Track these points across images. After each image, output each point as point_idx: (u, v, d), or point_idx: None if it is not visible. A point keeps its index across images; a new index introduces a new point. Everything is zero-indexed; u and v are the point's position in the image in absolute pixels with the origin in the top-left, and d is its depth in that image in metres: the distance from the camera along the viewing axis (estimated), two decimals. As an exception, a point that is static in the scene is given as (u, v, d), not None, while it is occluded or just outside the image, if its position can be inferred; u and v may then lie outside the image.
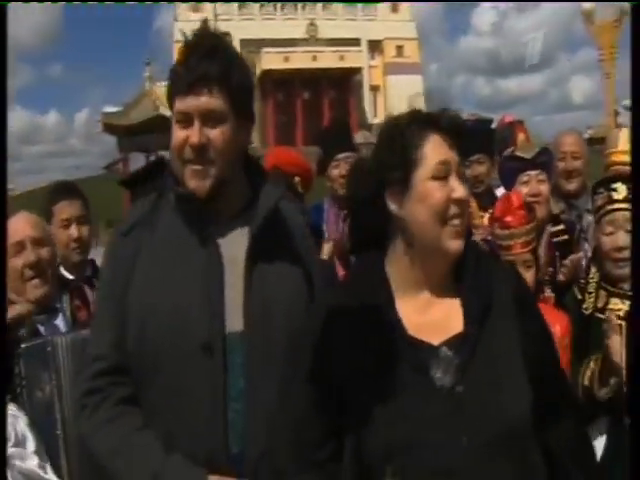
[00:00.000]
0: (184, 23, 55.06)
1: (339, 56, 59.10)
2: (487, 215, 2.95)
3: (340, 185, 3.69)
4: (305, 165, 3.75)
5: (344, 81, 60.55)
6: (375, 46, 63.70)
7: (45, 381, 2.05)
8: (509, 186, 3.01)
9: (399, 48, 63.60)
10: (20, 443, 1.71)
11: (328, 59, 58.74)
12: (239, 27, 59.82)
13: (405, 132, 1.42)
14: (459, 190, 1.38)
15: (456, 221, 1.39)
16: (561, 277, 2.81)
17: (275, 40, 59.30)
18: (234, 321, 1.55)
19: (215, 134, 1.55)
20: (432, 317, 1.42)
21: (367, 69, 63.18)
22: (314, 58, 58.48)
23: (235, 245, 1.60)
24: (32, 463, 1.68)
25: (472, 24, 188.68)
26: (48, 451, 1.95)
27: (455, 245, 1.39)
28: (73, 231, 2.92)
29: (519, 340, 1.42)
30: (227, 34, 1.65)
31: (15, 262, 2.28)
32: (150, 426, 1.53)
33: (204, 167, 1.55)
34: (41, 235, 2.36)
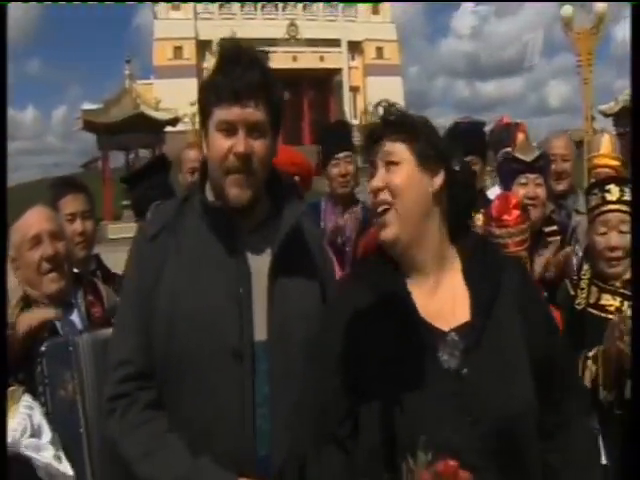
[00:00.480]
0: (163, 21, 54.73)
1: (319, 57, 58.97)
2: (479, 215, 3.04)
3: (339, 184, 3.77)
4: (305, 164, 3.80)
5: (324, 82, 60.40)
6: (355, 47, 63.60)
7: (67, 380, 2.12)
8: (507, 186, 3.11)
9: (379, 50, 63.53)
10: (36, 434, 1.73)
11: (308, 60, 58.57)
12: (219, 26, 59.41)
13: None
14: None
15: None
16: (551, 273, 2.92)
17: (255, 40, 58.93)
18: (260, 330, 1.59)
19: (259, 145, 1.60)
20: (439, 302, 1.51)
21: (347, 70, 63.11)
22: (294, 58, 58.20)
23: (257, 258, 1.65)
24: (48, 454, 1.69)
25: (452, 27, 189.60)
26: (71, 449, 2.00)
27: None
28: (77, 226, 2.96)
29: (524, 332, 1.50)
30: (263, 50, 1.70)
31: (32, 256, 2.30)
32: (176, 430, 1.56)
33: (245, 177, 1.59)
34: (57, 229, 2.39)
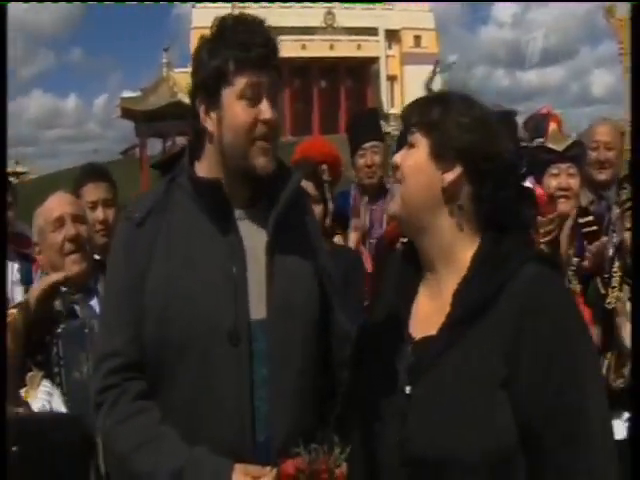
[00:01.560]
0: (201, 9, 54.98)
1: (356, 45, 58.81)
2: None
3: (365, 174, 3.70)
4: (332, 152, 3.74)
5: (361, 70, 60.24)
6: (393, 35, 63.22)
7: (82, 362, 2.12)
8: (539, 178, 3.02)
9: (417, 38, 63.09)
10: None
11: (345, 48, 58.46)
12: (256, 14, 59.51)
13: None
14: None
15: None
16: (585, 264, 2.82)
17: (292, 28, 58.98)
18: (256, 309, 1.55)
19: (276, 113, 1.57)
20: (436, 306, 1.37)
21: (384, 59, 62.78)
22: (331, 47, 58.22)
23: (252, 234, 1.59)
24: None
25: (493, 15, 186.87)
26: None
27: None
28: (99, 213, 2.97)
29: (501, 362, 1.23)
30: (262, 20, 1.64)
31: (55, 237, 2.34)
32: (170, 418, 1.51)
33: (272, 145, 1.56)
34: (79, 212, 2.42)
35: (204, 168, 1.62)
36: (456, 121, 1.37)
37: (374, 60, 60.60)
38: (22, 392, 1.70)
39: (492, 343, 1.24)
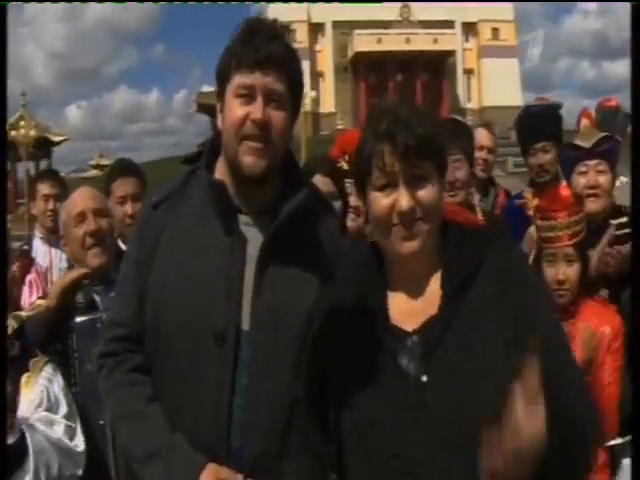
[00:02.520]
0: (276, 5, 55.43)
1: (433, 38, 57.82)
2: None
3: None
4: None
5: (438, 64, 59.27)
6: (470, 28, 61.95)
7: (95, 355, 2.21)
8: (568, 176, 2.91)
9: (495, 30, 61.57)
10: (52, 407, 1.77)
11: (421, 41, 57.59)
12: (331, 9, 59.59)
13: None
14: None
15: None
16: (608, 268, 2.68)
17: (368, 22, 58.70)
18: (247, 319, 1.55)
19: (276, 115, 1.55)
20: (418, 301, 1.38)
21: (461, 52, 61.60)
22: (407, 40, 57.46)
23: (256, 242, 1.59)
24: (59, 429, 1.72)
25: (577, 4, 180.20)
26: (95, 421, 2.07)
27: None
28: (128, 208, 3.08)
29: (501, 322, 1.30)
30: (283, 25, 1.64)
31: (77, 232, 2.45)
32: (159, 399, 1.56)
33: (262, 145, 1.54)
34: (100, 206, 2.52)
35: (220, 167, 1.65)
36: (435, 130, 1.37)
37: (451, 53, 59.47)
38: (24, 378, 1.76)
39: (487, 310, 1.30)
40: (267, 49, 1.53)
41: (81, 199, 2.53)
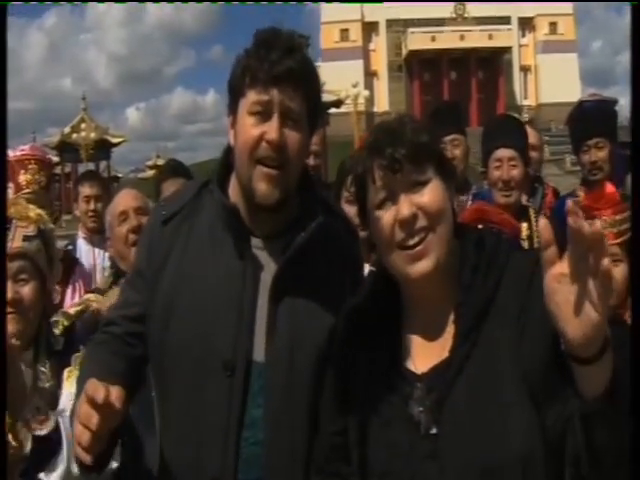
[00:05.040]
0: (330, 4, 55.61)
1: (488, 35, 57.10)
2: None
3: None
4: None
5: (493, 61, 58.47)
6: (526, 23, 60.86)
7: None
8: (620, 176, 2.82)
9: (552, 25, 60.33)
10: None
11: (476, 38, 56.94)
12: (385, 7, 59.43)
13: None
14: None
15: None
16: None
17: (422, 20, 58.34)
18: (259, 350, 1.47)
19: (293, 136, 1.44)
20: (433, 336, 1.27)
21: (517, 48, 60.57)
22: (462, 37, 56.90)
23: (269, 267, 1.50)
24: None
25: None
26: (144, 412, 2.10)
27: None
28: None
29: (519, 357, 1.17)
30: (303, 35, 1.53)
31: (120, 230, 2.59)
32: (164, 423, 1.55)
33: (277, 172, 1.43)
34: (141, 205, 2.65)
35: (234, 185, 1.55)
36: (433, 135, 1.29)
37: (506, 50, 58.60)
38: (65, 372, 1.80)
39: (503, 339, 1.18)
40: (284, 64, 1.42)
41: (123, 199, 2.68)
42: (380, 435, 1.25)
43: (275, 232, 1.52)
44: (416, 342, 1.28)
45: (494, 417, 1.15)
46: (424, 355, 1.26)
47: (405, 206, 1.21)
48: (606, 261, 0.92)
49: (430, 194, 1.21)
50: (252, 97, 1.43)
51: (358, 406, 1.30)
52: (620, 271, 2.30)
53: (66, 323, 2.12)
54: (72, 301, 3.21)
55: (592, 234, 0.90)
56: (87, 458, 1.22)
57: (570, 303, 0.97)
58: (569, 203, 0.92)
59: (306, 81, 1.45)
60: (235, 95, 1.48)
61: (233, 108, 1.49)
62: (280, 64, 1.41)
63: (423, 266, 1.21)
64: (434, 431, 1.19)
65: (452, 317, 1.24)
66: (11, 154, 3.54)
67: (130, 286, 1.63)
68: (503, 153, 3.05)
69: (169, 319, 1.49)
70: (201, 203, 1.57)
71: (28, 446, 1.54)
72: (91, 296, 2.64)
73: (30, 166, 3.43)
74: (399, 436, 1.22)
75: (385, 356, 1.28)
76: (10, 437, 1.51)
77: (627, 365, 1.01)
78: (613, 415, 1.00)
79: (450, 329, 1.24)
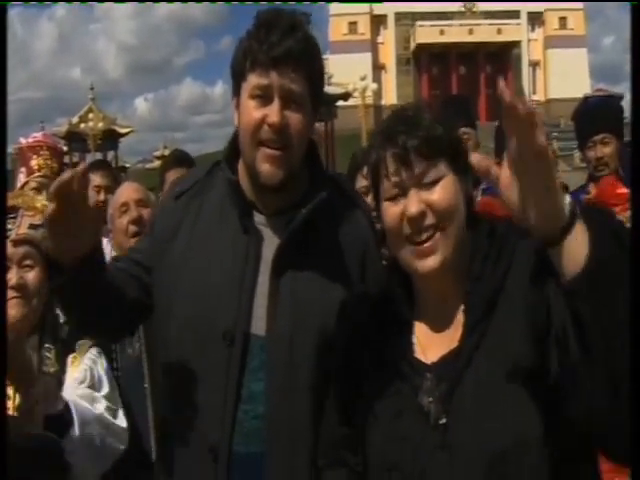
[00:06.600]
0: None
1: (496, 29, 56.87)
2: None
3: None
4: None
5: (502, 56, 58.26)
6: (536, 18, 60.49)
7: (134, 340, 2.34)
8: (629, 174, 2.81)
9: (562, 20, 59.95)
10: (95, 386, 1.82)
11: (485, 32, 56.72)
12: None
13: None
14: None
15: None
16: None
17: (430, 13, 58.08)
18: (258, 324, 1.48)
19: (295, 118, 1.45)
20: (444, 326, 1.27)
21: (526, 43, 60.25)
22: (470, 32, 56.66)
23: (272, 243, 1.51)
24: (101, 406, 1.77)
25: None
26: (136, 403, 2.14)
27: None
28: None
29: (526, 342, 1.16)
30: (305, 13, 1.52)
31: (121, 222, 2.61)
32: (165, 378, 1.61)
33: (280, 153, 1.45)
34: (142, 197, 2.67)
35: (241, 165, 1.57)
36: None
37: (515, 44, 58.36)
38: (70, 358, 1.82)
39: (512, 329, 1.17)
40: (284, 45, 1.41)
41: (125, 191, 2.71)
42: (390, 426, 1.25)
43: (281, 209, 1.53)
44: (426, 332, 1.28)
45: (502, 407, 1.15)
46: (434, 345, 1.25)
47: (414, 203, 1.19)
48: (541, 137, 0.93)
49: (441, 192, 1.19)
50: (253, 81, 1.44)
51: (367, 395, 1.30)
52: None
53: None
54: None
55: (526, 109, 0.91)
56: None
57: (523, 193, 0.98)
58: (501, 84, 0.93)
59: (307, 60, 1.45)
60: (237, 78, 1.49)
61: (236, 90, 1.50)
62: (279, 45, 1.41)
63: (430, 263, 1.21)
64: (443, 421, 1.19)
65: (462, 307, 1.23)
66: (23, 141, 3.57)
67: (140, 240, 1.75)
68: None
69: (174, 291, 1.53)
70: (212, 181, 1.60)
71: (40, 425, 1.57)
72: None
73: (42, 152, 3.45)
74: (409, 427, 1.22)
75: (395, 345, 1.28)
76: (15, 414, 1.54)
77: (608, 243, 1.01)
78: (594, 291, 0.99)
79: (460, 319, 1.23)
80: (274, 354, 1.47)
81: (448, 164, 1.22)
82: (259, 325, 1.48)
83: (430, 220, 1.20)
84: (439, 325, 1.27)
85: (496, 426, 1.15)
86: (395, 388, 1.26)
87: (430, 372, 1.23)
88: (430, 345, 1.26)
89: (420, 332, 1.29)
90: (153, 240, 1.62)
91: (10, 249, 1.74)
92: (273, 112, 1.42)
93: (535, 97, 58.77)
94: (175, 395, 1.56)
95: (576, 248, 1.01)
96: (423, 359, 1.25)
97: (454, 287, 1.25)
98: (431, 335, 1.27)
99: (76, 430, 1.59)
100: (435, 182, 1.20)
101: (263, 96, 1.44)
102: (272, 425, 1.46)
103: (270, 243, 1.51)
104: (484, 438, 1.15)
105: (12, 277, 1.71)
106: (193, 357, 1.49)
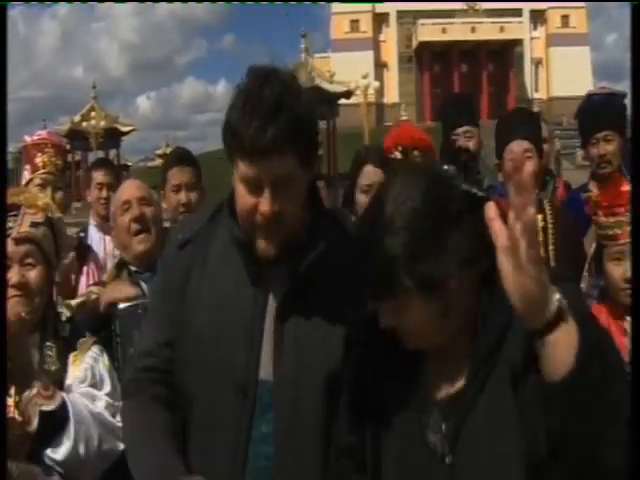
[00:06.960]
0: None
1: (499, 27, 56.75)
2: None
3: (455, 160, 3.60)
4: (423, 137, 3.65)
5: (504, 54, 58.14)
6: (538, 16, 60.39)
7: (137, 340, 2.23)
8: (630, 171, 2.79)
9: (564, 18, 59.85)
10: (97, 384, 1.82)
11: (487, 31, 56.59)
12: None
13: None
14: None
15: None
16: None
17: (433, 11, 57.99)
18: (267, 369, 1.51)
19: (288, 200, 1.44)
20: (452, 360, 1.25)
21: (529, 41, 60.16)
22: (473, 30, 56.56)
23: (278, 290, 1.53)
24: (101, 405, 1.78)
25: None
26: None
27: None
28: (182, 196, 3.12)
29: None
30: (293, 73, 1.52)
31: (123, 220, 2.52)
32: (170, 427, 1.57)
33: (275, 231, 1.46)
34: (145, 195, 2.58)
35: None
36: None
37: (517, 42, 58.23)
38: (71, 356, 1.82)
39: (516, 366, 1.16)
40: (268, 133, 1.35)
41: (127, 189, 2.63)
42: (396, 459, 1.26)
43: (283, 257, 1.51)
44: (434, 366, 1.28)
45: (507, 450, 1.14)
46: (441, 380, 1.25)
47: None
48: (531, 210, 0.93)
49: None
50: (241, 168, 1.42)
51: (374, 427, 1.30)
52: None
53: (68, 314, 2.13)
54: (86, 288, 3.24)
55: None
56: None
57: (510, 273, 0.98)
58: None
59: (294, 142, 1.39)
60: (229, 154, 1.46)
61: (231, 159, 1.47)
62: (263, 135, 1.36)
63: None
64: (449, 459, 1.20)
65: (469, 344, 1.23)
66: (28, 139, 3.58)
67: (155, 312, 1.67)
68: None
69: (185, 345, 1.55)
70: (215, 229, 1.60)
71: (35, 422, 1.56)
72: (94, 289, 2.64)
73: (47, 149, 3.44)
74: (415, 461, 1.23)
75: (404, 378, 1.28)
76: (16, 412, 1.54)
77: (593, 362, 0.99)
78: (573, 399, 0.98)
79: (467, 354, 1.23)
80: (280, 398, 1.50)
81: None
82: (267, 370, 1.51)
83: None
84: (446, 359, 1.26)
85: (501, 471, 1.15)
86: (402, 421, 1.27)
87: (437, 407, 1.23)
88: (437, 380, 1.26)
89: (427, 365, 1.29)
90: (167, 302, 1.60)
91: (11, 247, 1.74)
92: (264, 203, 1.42)
93: (537, 95, 58.74)
94: (185, 434, 1.57)
95: (558, 351, 1.00)
96: (431, 394, 1.26)
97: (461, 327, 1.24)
98: (438, 369, 1.27)
99: (72, 428, 1.59)
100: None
101: (253, 184, 1.42)
102: (279, 464, 1.50)
103: (275, 290, 1.53)
104: (490, 477, 1.16)
105: (14, 275, 1.71)
106: (206, 404, 1.53)
